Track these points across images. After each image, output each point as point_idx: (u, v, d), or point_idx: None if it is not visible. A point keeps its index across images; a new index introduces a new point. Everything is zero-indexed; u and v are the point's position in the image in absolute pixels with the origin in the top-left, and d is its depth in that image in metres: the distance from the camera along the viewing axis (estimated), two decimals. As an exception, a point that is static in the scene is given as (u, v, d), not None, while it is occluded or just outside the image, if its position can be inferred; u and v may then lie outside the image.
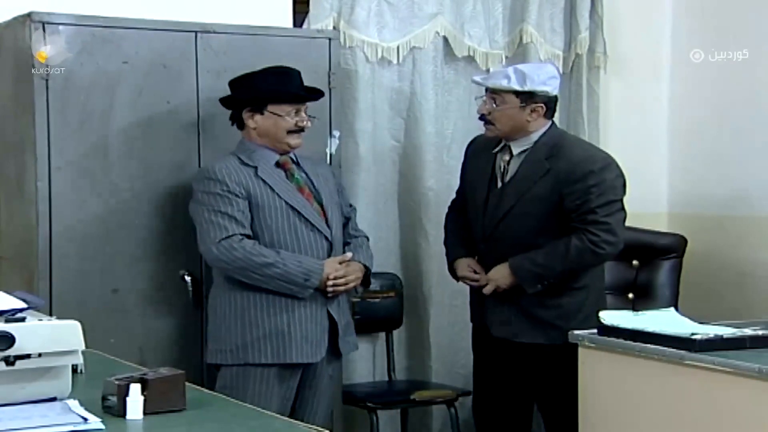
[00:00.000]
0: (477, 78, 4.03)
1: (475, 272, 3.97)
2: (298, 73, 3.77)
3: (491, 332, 3.94)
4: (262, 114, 3.69)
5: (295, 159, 3.80)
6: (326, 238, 3.73)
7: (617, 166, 3.87)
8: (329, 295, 3.69)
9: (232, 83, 3.75)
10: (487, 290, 3.90)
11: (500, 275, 3.87)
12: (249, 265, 3.57)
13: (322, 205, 3.76)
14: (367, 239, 3.99)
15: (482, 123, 3.93)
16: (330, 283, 3.67)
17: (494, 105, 3.86)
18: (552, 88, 3.88)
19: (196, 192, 3.66)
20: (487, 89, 3.90)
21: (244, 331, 3.62)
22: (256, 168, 3.67)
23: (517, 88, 3.82)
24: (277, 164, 3.74)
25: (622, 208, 3.84)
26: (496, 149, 3.94)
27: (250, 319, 3.63)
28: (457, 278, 4.08)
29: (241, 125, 3.75)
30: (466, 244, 4.05)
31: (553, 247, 3.79)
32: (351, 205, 4.05)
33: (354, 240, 3.90)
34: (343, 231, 3.87)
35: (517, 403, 4.01)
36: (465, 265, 4.02)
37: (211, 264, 3.67)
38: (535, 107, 3.83)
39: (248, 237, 3.60)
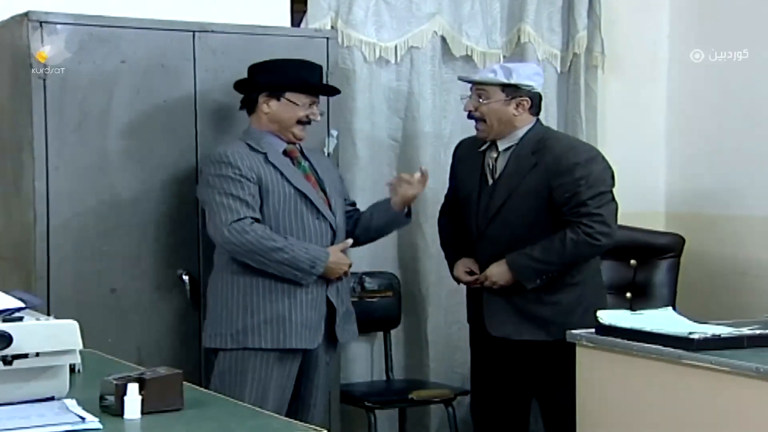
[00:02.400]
0: (464, 75, 4.06)
1: (472, 272, 3.98)
2: (321, 68, 3.82)
3: (490, 332, 3.94)
4: (278, 100, 3.71)
5: (300, 149, 3.81)
6: (330, 225, 3.75)
7: (603, 158, 3.91)
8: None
9: (253, 68, 3.77)
10: (487, 284, 3.92)
11: (498, 272, 3.88)
12: (258, 248, 3.57)
13: (326, 193, 3.78)
14: None
15: (474, 123, 3.96)
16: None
17: (480, 100, 3.89)
18: (537, 84, 3.94)
19: (207, 175, 3.66)
20: (472, 87, 3.94)
21: (245, 315, 3.63)
22: (265, 154, 3.69)
23: (503, 80, 3.87)
24: (285, 152, 3.75)
25: (613, 199, 3.86)
26: (483, 147, 3.96)
27: (252, 304, 3.63)
28: (457, 281, 4.10)
29: (251, 109, 3.76)
30: (463, 246, 4.06)
31: (548, 241, 3.80)
32: (352, 201, 4.09)
33: (366, 210, 3.97)
34: (348, 218, 3.91)
35: (515, 401, 4.01)
36: (461, 266, 4.03)
37: (220, 246, 3.64)
38: (520, 101, 3.88)
39: (257, 221, 3.61)
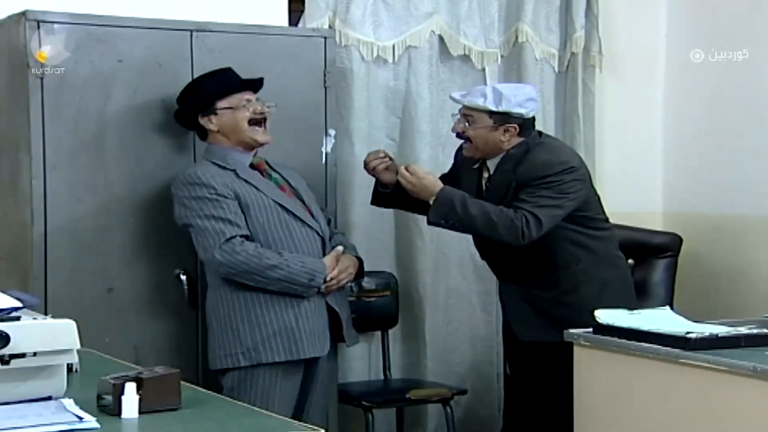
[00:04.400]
0: (455, 95, 4.00)
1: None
2: (229, 68, 3.75)
3: (519, 338, 3.94)
4: (215, 114, 3.69)
5: (266, 163, 3.79)
6: (317, 233, 3.73)
7: (579, 169, 3.83)
8: (323, 291, 3.68)
9: (179, 98, 3.76)
10: (400, 173, 3.88)
11: (423, 187, 3.82)
12: (253, 268, 3.54)
13: (303, 202, 3.76)
14: (343, 234, 4.03)
15: (461, 141, 3.95)
16: (327, 283, 3.67)
17: (467, 124, 3.86)
18: (528, 110, 3.86)
19: (182, 198, 3.61)
20: (461, 107, 3.90)
21: (253, 331, 3.59)
22: (234, 171, 3.66)
23: (492, 108, 3.81)
24: (252, 166, 3.72)
25: (561, 208, 3.77)
26: (475, 166, 3.96)
27: (258, 318, 3.60)
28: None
29: (203, 134, 3.75)
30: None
31: (489, 205, 3.74)
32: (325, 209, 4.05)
33: (335, 236, 3.90)
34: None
35: (544, 401, 3.95)
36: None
37: (214, 270, 3.60)
38: (508, 127, 3.83)
39: (246, 237, 3.58)
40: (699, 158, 5.13)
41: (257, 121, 3.70)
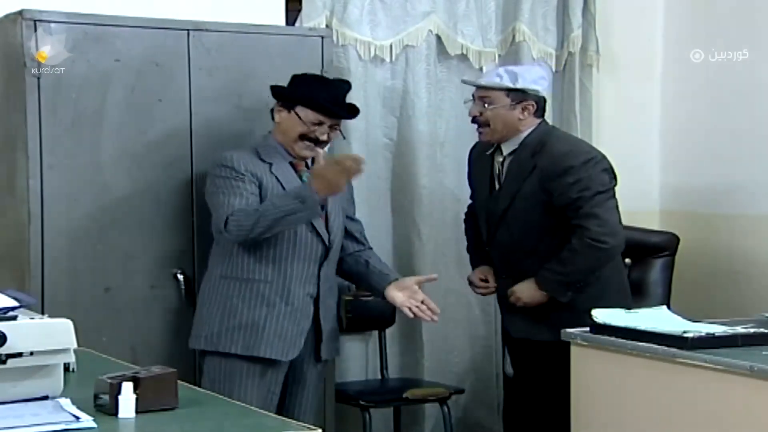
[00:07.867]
0: (468, 79, 4.03)
1: (487, 280, 4.03)
2: (347, 89, 3.77)
3: (510, 334, 3.96)
4: (288, 112, 3.69)
5: (309, 164, 3.77)
6: (323, 242, 3.72)
7: (602, 158, 3.87)
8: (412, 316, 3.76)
9: (293, 79, 3.75)
10: (512, 300, 3.92)
11: (528, 292, 3.87)
12: (253, 224, 3.51)
13: (323, 208, 3.74)
14: (371, 250, 4.00)
15: (476, 127, 3.95)
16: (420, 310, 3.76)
17: (485, 106, 3.87)
18: (542, 88, 3.92)
19: (211, 176, 3.66)
20: (476, 91, 3.92)
21: (222, 318, 3.64)
22: (270, 164, 3.68)
23: (509, 85, 3.85)
24: (290, 164, 3.73)
25: (612, 197, 3.83)
26: (490, 151, 3.96)
27: (230, 308, 3.63)
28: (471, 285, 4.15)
29: (273, 117, 3.76)
30: (484, 251, 4.08)
31: (563, 252, 3.79)
32: (356, 219, 4.01)
33: (365, 252, 3.92)
34: (351, 242, 3.88)
35: (540, 399, 3.95)
36: (478, 272, 4.08)
37: (232, 241, 3.60)
38: (525, 105, 3.86)
39: None
40: (696, 157, 5.13)
41: (312, 140, 3.69)
